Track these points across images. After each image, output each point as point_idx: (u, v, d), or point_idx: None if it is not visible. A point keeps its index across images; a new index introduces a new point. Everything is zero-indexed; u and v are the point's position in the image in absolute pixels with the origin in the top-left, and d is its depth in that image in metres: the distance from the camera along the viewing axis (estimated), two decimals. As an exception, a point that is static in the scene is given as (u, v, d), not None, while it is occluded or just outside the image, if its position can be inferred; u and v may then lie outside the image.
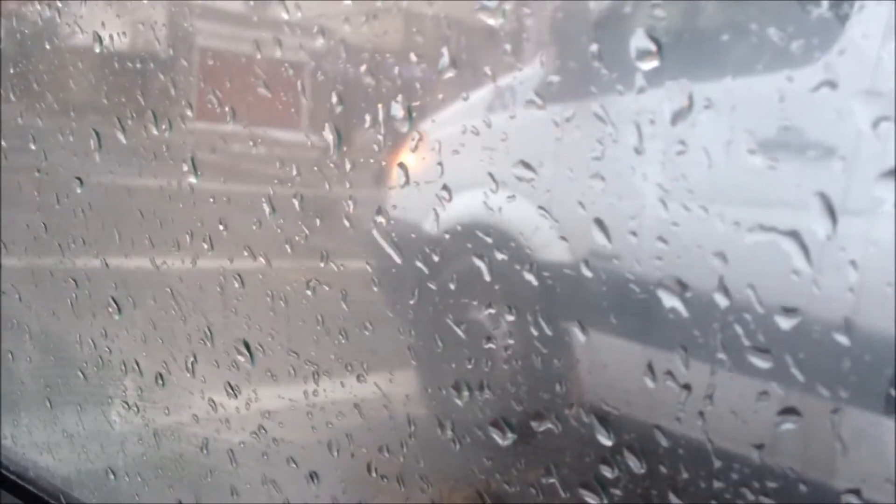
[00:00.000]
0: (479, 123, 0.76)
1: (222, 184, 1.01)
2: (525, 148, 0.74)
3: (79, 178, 1.19)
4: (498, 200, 0.76)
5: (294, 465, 1.00)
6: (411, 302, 0.85)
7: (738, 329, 0.64)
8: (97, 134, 1.14)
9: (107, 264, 1.19)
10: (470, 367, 0.82)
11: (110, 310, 1.20)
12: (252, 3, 0.90)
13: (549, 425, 0.77)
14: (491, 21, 0.72)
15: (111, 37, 1.10)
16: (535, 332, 0.76)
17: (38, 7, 1.22)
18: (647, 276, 0.69)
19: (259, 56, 0.90)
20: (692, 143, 0.64)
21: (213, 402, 1.08)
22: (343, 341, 0.92)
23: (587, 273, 0.72)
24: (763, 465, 0.64)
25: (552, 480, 0.78)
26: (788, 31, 0.58)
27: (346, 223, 0.87)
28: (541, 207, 0.73)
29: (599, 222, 0.70)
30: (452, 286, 0.82)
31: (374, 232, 0.85)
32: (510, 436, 0.81)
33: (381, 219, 0.85)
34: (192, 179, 1.02)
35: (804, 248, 0.60)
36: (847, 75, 0.56)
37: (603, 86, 0.67)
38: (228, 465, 1.08)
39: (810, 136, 0.59)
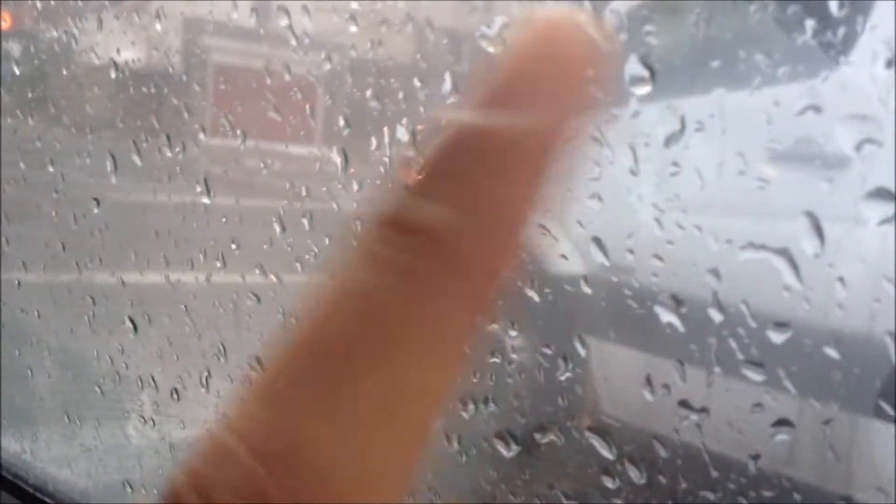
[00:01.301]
0: (482, 146, 0.78)
1: (234, 204, 1.04)
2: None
3: (96, 199, 1.22)
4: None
5: (305, 478, 1.02)
6: (418, 318, 0.87)
7: (733, 343, 0.66)
8: (113, 156, 1.17)
9: (123, 282, 1.22)
10: (475, 381, 0.84)
11: (126, 326, 1.22)
12: (262, 31, 0.93)
13: (553, 437, 0.79)
14: (491, 48, 0.75)
15: (127, 62, 1.13)
16: (537, 347, 0.78)
17: (56, 34, 1.25)
18: (644, 293, 0.71)
19: (269, 81, 0.92)
20: (685, 164, 0.66)
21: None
22: (353, 357, 0.94)
23: (587, 290, 0.74)
24: (759, 474, 0.66)
25: (556, 491, 0.80)
26: (775, 58, 0.60)
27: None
28: (541, 226, 0.76)
29: (598, 241, 0.72)
30: (457, 303, 0.84)
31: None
32: (515, 448, 0.82)
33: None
34: (206, 200, 1.05)
35: (794, 266, 0.62)
36: (831, 100, 0.58)
37: (599, 110, 0.70)
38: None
39: (797, 157, 0.61)
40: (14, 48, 1.40)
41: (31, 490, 1.48)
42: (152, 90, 1.11)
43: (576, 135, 0.20)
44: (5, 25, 1.45)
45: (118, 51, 1.14)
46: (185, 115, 1.06)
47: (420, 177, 0.20)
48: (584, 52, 0.20)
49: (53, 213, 1.31)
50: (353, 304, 0.19)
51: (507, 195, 0.19)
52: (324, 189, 0.91)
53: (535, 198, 0.20)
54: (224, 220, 1.03)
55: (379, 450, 0.18)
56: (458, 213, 0.19)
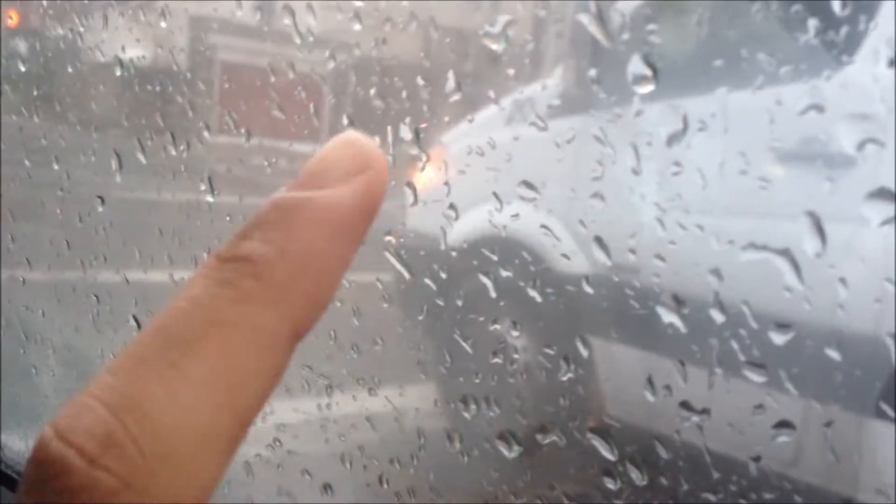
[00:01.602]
0: (484, 145, 0.78)
1: (238, 202, 1.04)
2: (528, 168, 0.76)
3: (100, 197, 1.22)
4: (502, 219, 0.78)
5: (308, 477, 1.02)
6: (420, 318, 0.87)
7: (734, 344, 0.66)
8: (118, 154, 1.17)
9: (127, 280, 1.22)
10: (477, 381, 0.84)
11: (130, 325, 1.22)
12: (266, 29, 0.93)
13: (554, 438, 0.79)
14: (494, 46, 0.74)
15: (132, 60, 1.14)
16: (538, 348, 0.78)
17: (62, 31, 1.25)
18: (645, 293, 0.71)
19: (273, 80, 0.92)
20: (687, 164, 0.66)
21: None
22: (355, 356, 0.94)
23: (588, 289, 0.74)
24: (760, 475, 0.66)
25: (557, 492, 0.79)
26: (778, 57, 0.60)
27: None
28: (543, 226, 0.76)
29: (599, 240, 0.72)
30: (460, 302, 0.84)
31: (385, 250, 0.88)
32: (516, 449, 0.82)
33: (390, 237, 0.87)
34: (210, 198, 1.05)
35: (795, 266, 0.61)
36: (834, 99, 0.58)
37: (602, 109, 0.70)
38: (245, 476, 1.10)
39: (799, 157, 0.61)
40: (20, 45, 1.41)
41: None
42: (157, 88, 1.11)
43: (363, 210, 0.29)
44: (11, 23, 1.45)
45: (123, 48, 1.14)
46: (190, 114, 1.06)
47: (246, 226, 0.28)
48: (363, 158, 0.30)
49: (58, 211, 1.32)
50: (193, 305, 0.26)
51: (310, 241, 0.27)
52: (327, 188, 0.91)
53: (333, 244, 0.28)
54: (228, 218, 1.03)
55: (205, 412, 0.24)
56: (271, 249, 0.27)
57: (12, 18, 1.47)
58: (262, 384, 0.26)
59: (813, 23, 0.57)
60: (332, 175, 0.29)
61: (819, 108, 0.58)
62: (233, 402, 0.25)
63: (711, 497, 0.69)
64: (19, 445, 1.53)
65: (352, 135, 0.31)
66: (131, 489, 0.23)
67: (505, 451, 0.83)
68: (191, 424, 0.24)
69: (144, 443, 0.23)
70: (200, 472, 0.24)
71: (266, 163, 0.97)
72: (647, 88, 0.66)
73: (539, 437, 0.80)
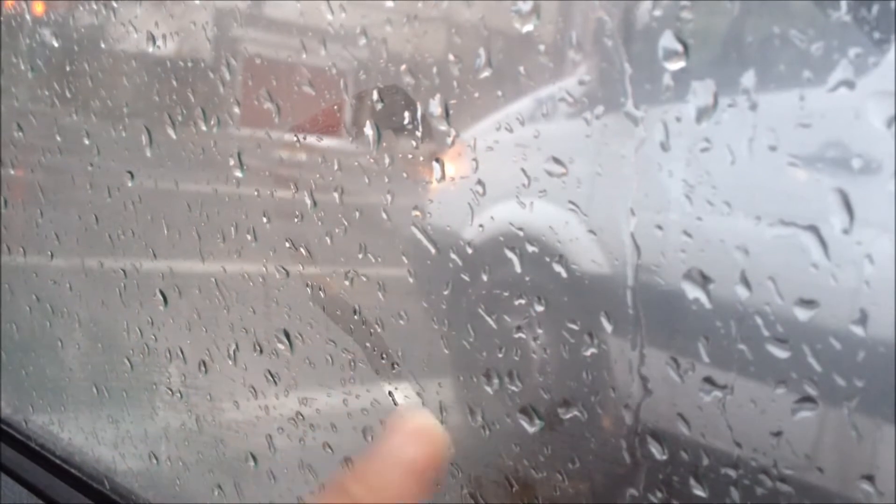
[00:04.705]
0: (513, 121, 0.79)
1: (267, 178, 1.05)
2: (556, 145, 0.77)
3: (130, 172, 1.24)
4: (530, 195, 0.79)
5: (330, 451, 1.03)
6: (445, 293, 0.88)
7: (758, 320, 0.66)
8: (148, 130, 1.18)
9: (154, 255, 1.23)
10: (500, 356, 0.85)
11: (156, 299, 1.24)
12: (299, 4, 0.94)
13: (576, 413, 0.80)
14: (525, 23, 0.75)
15: (164, 37, 1.15)
16: (562, 322, 0.79)
17: (95, 7, 1.27)
18: (672, 268, 0.71)
19: (304, 56, 0.93)
20: (716, 140, 0.66)
21: (254, 388, 1.11)
22: (379, 330, 0.95)
23: (615, 265, 0.75)
24: (780, 451, 0.67)
25: (578, 466, 0.80)
26: (809, 34, 0.60)
27: (384, 216, 0.90)
28: (571, 202, 0.76)
29: (626, 216, 0.72)
30: (485, 277, 0.84)
31: (411, 224, 0.88)
32: (538, 423, 0.83)
33: (417, 212, 0.88)
34: (238, 173, 1.06)
35: (822, 242, 0.62)
36: (864, 76, 0.58)
37: (632, 85, 0.70)
38: (267, 450, 1.11)
39: (829, 134, 0.61)
40: (52, 23, 1.42)
41: (58, 461, 1.50)
42: (189, 64, 1.12)
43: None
44: (40, 8, 1.47)
45: (157, 24, 1.15)
46: (221, 89, 1.07)
47: None
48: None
49: (88, 187, 1.33)
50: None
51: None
52: (355, 163, 0.92)
53: None
54: (256, 193, 1.05)
55: None
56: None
57: (39, 7, 1.49)
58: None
59: (845, -1, 0.58)
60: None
61: (849, 85, 0.58)
62: None
63: (732, 472, 0.70)
64: (43, 419, 1.55)
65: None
66: None
67: (526, 426, 0.84)
68: None
69: None
70: None
71: (296, 138, 0.98)
72: (678, 64, 0.66)
73: (561, 411, 0.81)
